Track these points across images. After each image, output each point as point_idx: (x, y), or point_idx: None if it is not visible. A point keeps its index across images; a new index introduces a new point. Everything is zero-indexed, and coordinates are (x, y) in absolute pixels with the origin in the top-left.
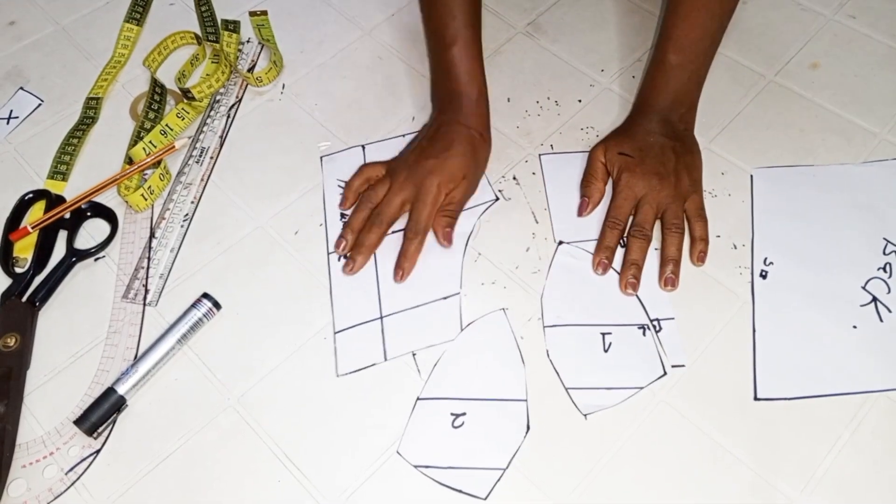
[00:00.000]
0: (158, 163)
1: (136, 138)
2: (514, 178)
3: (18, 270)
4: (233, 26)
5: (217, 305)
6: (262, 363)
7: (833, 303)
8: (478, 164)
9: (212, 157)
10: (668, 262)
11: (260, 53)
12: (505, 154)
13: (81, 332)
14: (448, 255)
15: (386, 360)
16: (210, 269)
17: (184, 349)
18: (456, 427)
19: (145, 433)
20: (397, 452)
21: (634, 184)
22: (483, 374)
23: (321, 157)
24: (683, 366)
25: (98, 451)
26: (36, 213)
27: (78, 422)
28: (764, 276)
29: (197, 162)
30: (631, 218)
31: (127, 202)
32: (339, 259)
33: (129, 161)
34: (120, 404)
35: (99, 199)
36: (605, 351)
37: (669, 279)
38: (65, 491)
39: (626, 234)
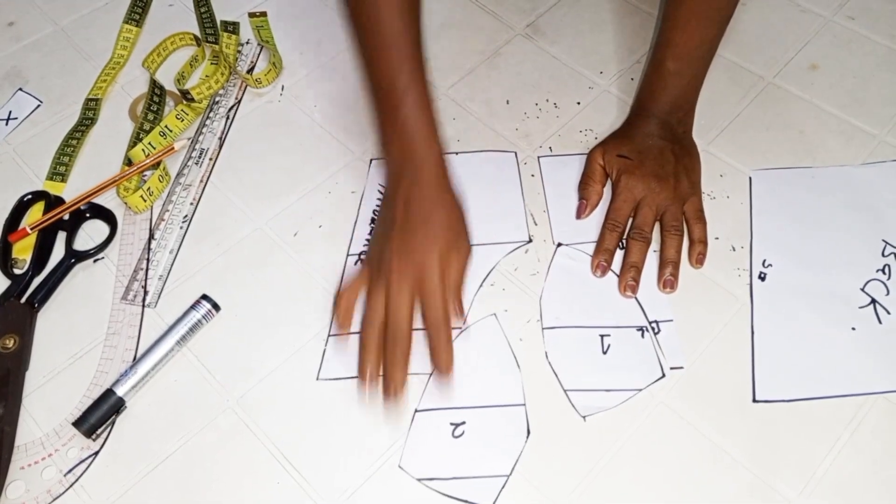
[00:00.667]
0: (158, 164)
1: (136, 139)
2: None
3: (17, 271)
4: (232, 27)
5: (216, 307)
6: (261, 365)
7: (832, 304)
8: (462, 223)
9: (211, 159)
10: (667, 265)
11: (259, 55)
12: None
13: (80, 333)
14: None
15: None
16: (209, 271)
17: (183, 351)
18: (456, 437)
19: (144, 435)
20: (399, 467)
21: (633, 186)
22: (480, 382)
23: (371, 160)
24: (682, 368)
25: (97, 453)
26: (35, 214)
27: (77, 423)
28: (763, 277)
29: (196, 163)
30: (630, 220)
31: (126, 203)
32: (357, 261)
33: (129, 162)
34: (119, 406)
35: (98, 200)
36: (604, 353)
37: (668, 281)
38: (63, 492)
39: (625, 237)
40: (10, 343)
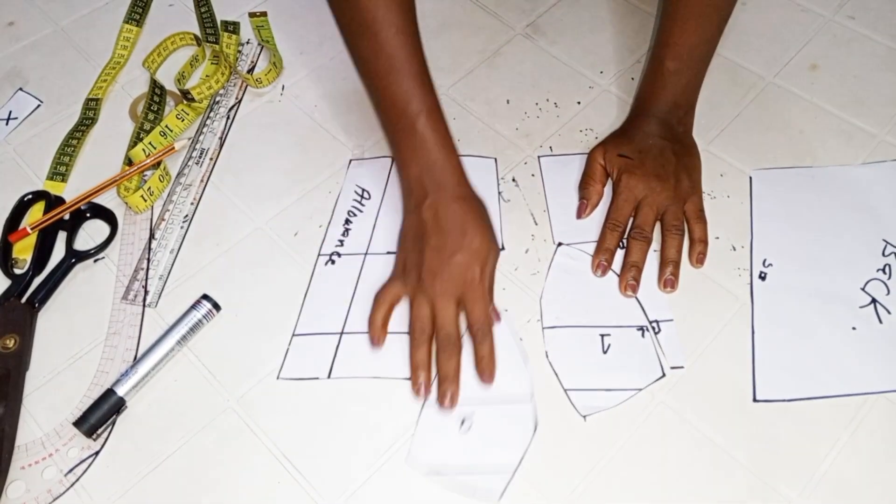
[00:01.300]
0: (158, 164)
1: (136, 139)
2: (514, 180)
3: (18, 271)
4: (232, 27)
5: (216, 307)
6: (262, 364)
7: (832, 304)
8: (491, 228)
9: (211, 159)
10: (668, 264)
11: (259, 55)
12: (504, 156)
13: (81, 333)
14: None
15: (329, 377)
16: (210, 271)
17: (183, 350)
18: (464, 431)
19: (145, 434)
20: (406, 462)
21: (634, 185)
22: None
23: (350, 160)
24: (682, 367)
25: (97, 453)
26: (35, 214)
27: (77, 423)
28: (763, 277)
29: (196, 163)
30: (630, 220)
31: (126, 203)
32: (327, 262)
33: (129, 162)
34: (119, 406)
35: (98, 200)
36: (604, 352)
37: (669, 281)
38: (64, 492)
39: (625, 236)
40: (10, 343)
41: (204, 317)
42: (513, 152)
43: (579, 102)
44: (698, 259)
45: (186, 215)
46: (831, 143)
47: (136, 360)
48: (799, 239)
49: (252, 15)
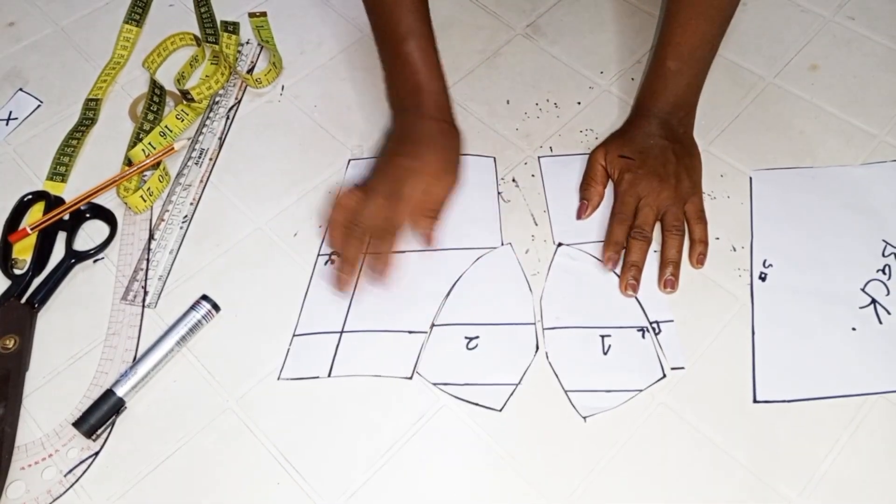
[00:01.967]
0: (158, 164)
1: (136, 140)
2: (514, 181)
3: (17, 272)
4: (232, 27)
5: (216, 307)
6: (261, 365)
7: (832, 305)
8: (454, 156)
9: (211, 159)
10: (668, 265)
11: (259, 55)
12: (504, 156)
13: (80, 333)
14: (431, 294)
15: (330, 376)
16: (209, 271)
17: (183, 351)
18: (470, 349)
19: (144, 435)
20: (417, 373)
21: (636, 185)
22: (494, 303)
23: (349, 160)
24: (683, 368)
25: (97, 453)
26: (35, 214)
27: (77, 424)
28: (763, 278)
29: (196, 163)
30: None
31: (126, 203)
32: (327, 261)
33: (129, 162)
34: (119, 406)
35: (98, 200)
36: (605, 353)
37: (669, 281)
38: (64, 493)
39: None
40: (10, 343)
41: (203, 317)
42: (513, 153)
43: (579, 103)
44: (698, 260)
45: (186, 216)
46: (831, 143)
47: (136, 361)
48: (799, 239)
49: (252, 15)
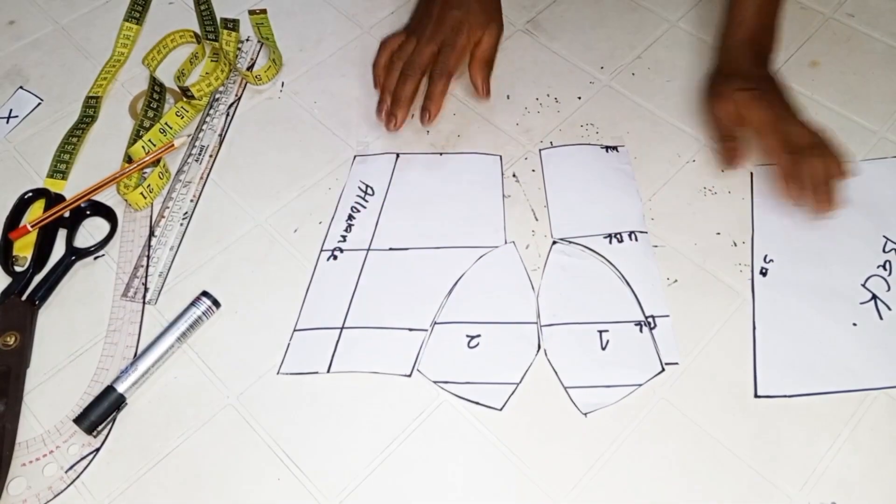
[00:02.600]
0: (158, 161)
1: (136, 137)
2: (514, 176)
3: (18, 269)
4: (232, 25)
5: (216, 303)
6: (262, 361)
7: (833, 300)
8: (498, 4)
9: (211, 156)
10: (837, 175)
11: (259, 52)
12: (505, 151)
13: (81, 330)
14: (432, 291)
15: (329, 372)
16: (209, 268)
17: (183, 347)
18: (471, 347)
19: (145, 431)
20: (417, 370)
21: (773, 109)
22: (496, 301)
23: (354, 156)
24: (677, 363)
25: (98, 450)
26: (35, 211)
27: (77, 420)
28: (764, 273)
29: (196, 160)
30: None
31: (126, 200)
32: (329, 257)
33: (129, 159)
34: (119, 402)
35: (98, 197)
36: (603, 349)
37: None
38: (65, 489)
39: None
40: (10, 340)
41: (203, 314)
42: (513, 148)
43: (580, 98)
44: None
45: (186, 212)
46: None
47: (136, 357)
48: (799, 235)
49: (252, 12)
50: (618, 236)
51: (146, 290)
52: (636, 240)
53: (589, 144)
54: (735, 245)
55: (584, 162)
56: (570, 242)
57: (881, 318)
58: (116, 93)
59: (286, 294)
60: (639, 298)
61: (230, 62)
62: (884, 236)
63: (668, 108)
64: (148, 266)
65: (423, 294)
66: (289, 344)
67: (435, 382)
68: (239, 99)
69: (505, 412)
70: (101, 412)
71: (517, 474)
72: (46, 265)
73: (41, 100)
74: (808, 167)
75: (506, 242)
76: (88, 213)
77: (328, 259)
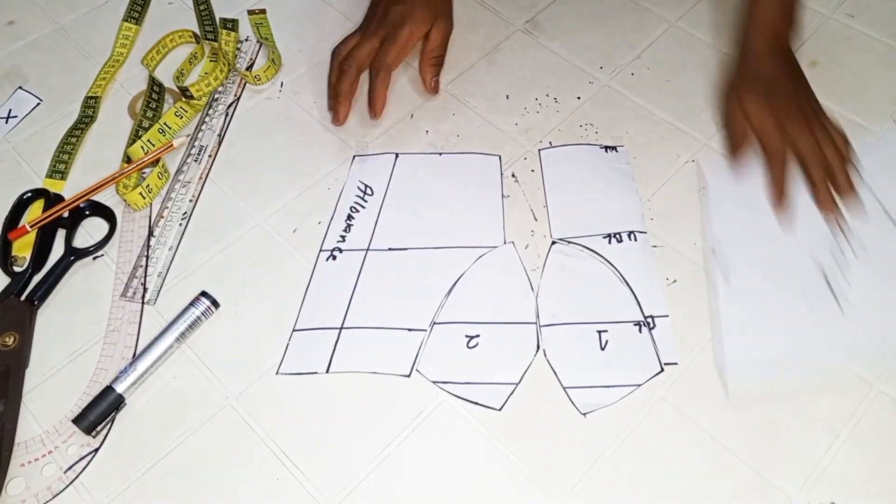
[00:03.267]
0: (157, 161)
1: (135, 137)
2: (514, 176)
3: (17, 269)
4: (231, 25)
5: (215, 304)
6: (261, 361)
7: (790, 283)
8: (447, 1)
9: (210, 156)
10: (838, 173)
11: (258, 52)
12: (504, 151)
13: (80, 330)
14: (431, 291)
15: (328, 372)
16: (208, 268)
17: (182, 348)
18: (470, 348)
19: (144, 431)
20: (416, 371)
21: (777, 114)
22: (495, 301)
23: (353, 156)
24: (676, 363)
25: (97, 450)
26: (34, 211)
27: (76, 420)
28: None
29: (195, 160)
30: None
31: (125, 201)
32: (329, 257)
33: (128, 159)
34: (118, 403)
35: (97, 197)
36: (602, 349)
37: (846, 186)
38: (63, 489)
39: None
40: (9, 340)
41: (203, 314)
42: (512, 148)
43: (579, 97)
44: (847, 189)
45: (185, 212)
46: None
47: (135, 358)
48: (753, 222)
49: (251, 12)
50: (617, 236)
51: (145, 290)
52: (635, 240)
53: (588, 144)
54: None
55: (583, 162)
56: (570, 242)
57: (836, 299)
58: (115, 93)
59: (285, 294)
60: (638, 298)
61: (229, 62)
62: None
63: (668, 108)
64: (147, 266)
65: (423, 294)
66: (288, 344)
67: (434, 383)
68: (238, 99)
69: (504, 412)
70: (100, 412)
71: (516, 473)
72: (45, 265)
73: (40, 100)
74: (811, 170)
75: (505, 242)
76: (87, 213)
77: (327, 259)
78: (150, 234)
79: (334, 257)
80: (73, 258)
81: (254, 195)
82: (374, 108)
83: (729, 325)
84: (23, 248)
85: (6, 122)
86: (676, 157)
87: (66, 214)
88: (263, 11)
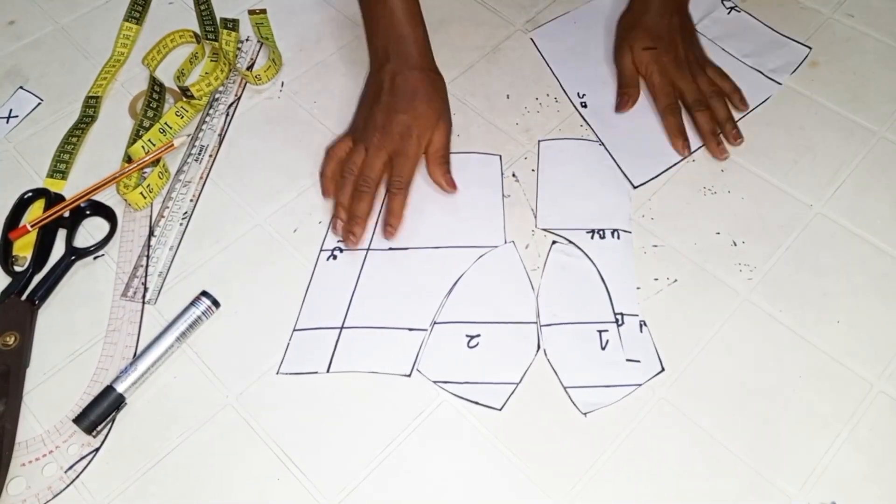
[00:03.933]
0: (157, 161)
1: (135, 136)
2: (514, 175)
3: (18, 269)
4: (232, 24)
5: (216, 303)
6: (261, 361)
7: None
8: (445, 102)
9: (211, 156)
10: (725, 122)
11: (259, 51)
12: (504, 150)
13: (80, 330)
14: (432, 291)
15: (328, 372)
16: (209, 267)
17: (182, 347)
18: (471, 347)
19: (144, 431)
20: (417, 370)
21: (667, 70)
22: (495, 301)
23: None
24: (639, 361)
25: (97, 450)
26: (35, 211)
27: (77, 420)
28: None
29: (196, 160)
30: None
31: (126, 200)
32: (329, 257)
33: (128, 159)
34: (119, 402)
35: (98, 197)
36: (603, 348)
37: (734, 133)
38: (64, 489)
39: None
40: (10, 340)
41: (203, 313)
42: (512, 147)
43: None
44: (734, 137)
45: (186, 212)
46: (831, 138)
47: (136, 357)
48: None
49: (251, 12)
50: (600, 232)
51: (146, 289)
52: (618, 238)
53: (589, 140)
54: (735, 245)
55: (580, 156)
56: (551, 232)
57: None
58: (116, 93)
59: (286, 294)
60: (611, 296)
61: (230, 62)
62: None
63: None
64: (147, 266)
65: (423, 294)
66: (288, 344)
67: (435, 382)
68: (239, 99)
69: (505, 412)
70: (100, 412)
71: (517, 473)
72: (46, 265)
73: (41, 100)
74: (698, 121)
75: (505, 242)
76: (88, 212)
77: (328, 259)
78: (151, 233)
79: (335, 257)
80: (73, 258)
81: (254, 195)
82: (394, 227)
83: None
84: (23, 248)
85: (7, 122)
86: (677, 157)
87: (66, 214)
88: (264, 11)
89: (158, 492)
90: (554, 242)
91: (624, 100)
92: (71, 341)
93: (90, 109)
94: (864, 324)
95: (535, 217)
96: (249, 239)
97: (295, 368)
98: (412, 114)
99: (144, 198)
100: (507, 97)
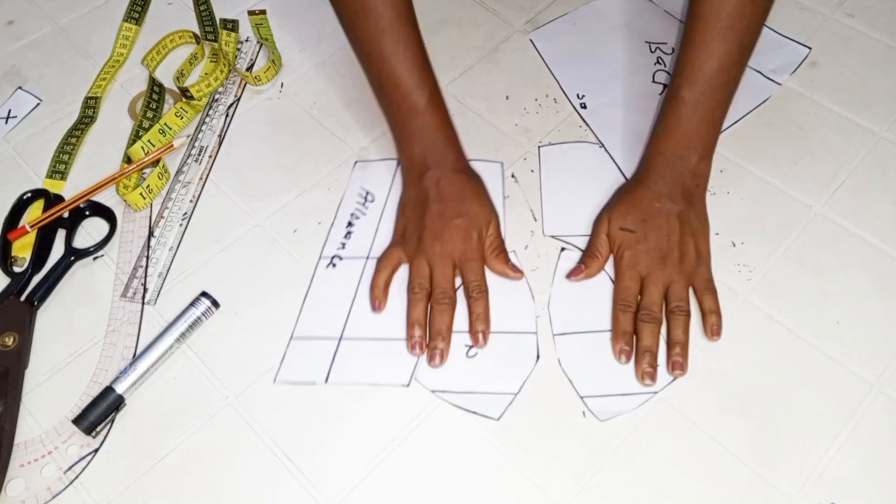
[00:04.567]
0: (157, 161)
1: (135, 137)
2: (513, 176)
3: (17, 269)
4: (231, 25)
5: (215, 304)
6: (261, 362)
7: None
8: (489, 197)
9: (210, 156)
10: (675, 345)
11: (258, 52)
12: (503, 152)
13: (80, 331)
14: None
15: (326, 382)
16: (208, 268)
17: (182, 348)
18: (470, 357)
19: (144, 432)
20: (415, 380)
21: (637, 262)
22: (495, 311)
23: (355, 162)
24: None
25: (97, 450)
26: (34, 212)
27: (76, 421)
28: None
29: (195, 161)
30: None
31: (125, 201)
32: (328, 264)
33: (128, 160)
34: (118, 403)
35: (97, 198)
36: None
37: (677, 363)
38: (63, 490)
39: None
40: (9, 341)
41: (203, 314)
42: (512, 148)
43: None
44: (713, 331)
45: (185, 213)
46: (831, 139)
47: (135, 358)
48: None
49: (251, 13)
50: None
51: (145, 290)
52: None
53: (589, 143)
54: (734, 245)
55: (581, 160)
56: (558, 239)
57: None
58: (115, 93)
59: (285, 294)
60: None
61: (229, 63)
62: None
63: None
64: (147, 266)
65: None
66: (285, 352)
67: (433, 392)
68: (238, 99)
69: (504, 416)
70: (99, 413)
71: (517, 475)
72: (45, 266)
73: (40, 100)
74: (638, 334)
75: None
76: (87, 213)
77: (327, 266)
78: (151, 234)
79: (334, 265)
80: (73, 258)
81: (254, 196)
82: (486, 333)
83: None
84: (23, 249)
85: (6, 122)
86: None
87: (66, 215)
88: (264, 12)
89: (158, 492)
90: (563, 249)
91: (577, 269)
92: (70, 342)
93: (89, 110)
94: (864, 324)
95: (534, 218)
96: (249, 240)
97: (292, 377)
98: (466, 216)
99: (144, 198)
100: (507, 98)
